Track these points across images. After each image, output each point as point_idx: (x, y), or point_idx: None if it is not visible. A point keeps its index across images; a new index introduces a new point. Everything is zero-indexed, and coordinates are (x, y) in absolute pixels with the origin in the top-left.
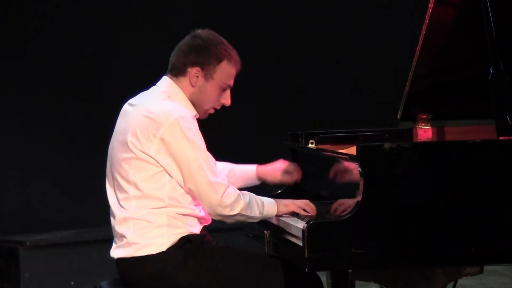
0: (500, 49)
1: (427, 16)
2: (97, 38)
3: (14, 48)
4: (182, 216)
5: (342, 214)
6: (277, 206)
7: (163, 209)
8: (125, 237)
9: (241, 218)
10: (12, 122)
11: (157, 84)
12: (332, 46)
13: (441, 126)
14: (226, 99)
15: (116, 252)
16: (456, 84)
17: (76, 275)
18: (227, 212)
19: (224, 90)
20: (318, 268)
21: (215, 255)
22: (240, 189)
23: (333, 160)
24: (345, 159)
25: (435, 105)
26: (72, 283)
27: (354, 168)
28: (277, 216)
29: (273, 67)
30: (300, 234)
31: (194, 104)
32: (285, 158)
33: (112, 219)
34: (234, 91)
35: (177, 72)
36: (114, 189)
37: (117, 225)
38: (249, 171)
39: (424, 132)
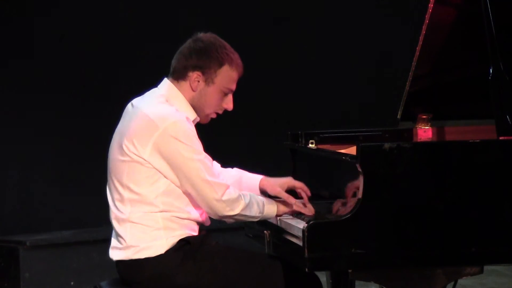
0: (500, 49)
1: (427, 16)
2: (97, 37)
3: (14, 48)
4: (178, 219)
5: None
6: (277, 205)
7: (158, 213)
8: (123, 239)
9: (241, 218)
10: (12, 122)
11: (158, 86)
12: (332, 46)
13: (441, 126)
14: (228, 104)
15: (115, 254)
16: (456, 84)
17: (76, 275)
18: (227, 212)
19: (225, 94)
20: (318, 268)
21: (214, 256)
22: None
23: (333, 160)
24: (345, 159)
25: (435, 105)
26: (72, 283)
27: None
28: (277, 215)
29: (273, 67)
30: (300, 234)
31: (195, 108)
32: (285, 158)
33: (111, 218)
34: (234, 91)
35: (178, 76)
36: (111, 189)
37: (115, 225)
38: (254, 180)
39: (424, 132)
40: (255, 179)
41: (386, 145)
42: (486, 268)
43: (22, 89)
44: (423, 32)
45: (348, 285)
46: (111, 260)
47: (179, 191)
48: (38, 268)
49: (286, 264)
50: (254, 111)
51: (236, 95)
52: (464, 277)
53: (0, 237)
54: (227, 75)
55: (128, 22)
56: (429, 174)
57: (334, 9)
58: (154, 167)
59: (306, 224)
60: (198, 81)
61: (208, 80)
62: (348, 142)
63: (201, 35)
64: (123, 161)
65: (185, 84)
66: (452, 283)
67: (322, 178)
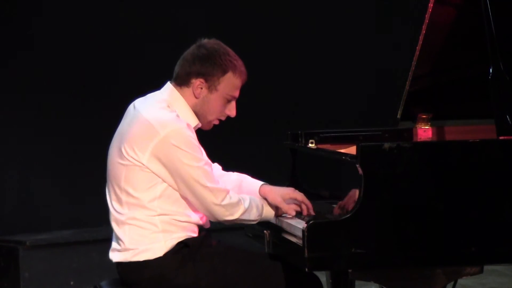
0: (500, 49)
1: (427, 16)
2: (97, 37)
3: (14, 48)
4: (177, 221)
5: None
6: (276, 207)
7: (156, 217)
8: (122, 241)
9: (241, 222)
10: (12, 122)
11: (161, 90)
12: (332, 45)
13: (441, 125)
14: (231, 110)
15: (115, 255)
16: (456, 83)
17: (75, 275)
18: (227, 217)
19: (229, 101)
20: (318, 268)
21: (213, 257)
22: None
23: (333, 159)
24: (345, 159)
25: (435, 104)
26: (71, 283)
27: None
28: (276, 215)
29: (273, 66)
30: (300, 234)
31: (198, 114)
32: (284, 157)
33: (110, 219)
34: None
35: (181, 82)
36: (109, 191)
37: (114, 227)
38: (254, 186)
39: (424, 132)
40: (256, 184)
41: (386, 145)
42: (486, 268)
43: (22, 89)
44: (423, 32)
45: (348, 285)
46: (111, 260)
47: (177, 195)
48: (38, 268)
49: (286, 264)
50: (254, 111)
51: None
52: (464, 277)
53: (0, 237)
54: (231, 83)
55: (128, 22)
56: (429, 174)
57: (334, 9)
58: (152, 172)
59: (306, 224)
60: (201, 88)
61: (212, 87)
62: (348, 142)
63: (204, 41)
64: (122, 164)
65: (188, 91)
66: (452, 283)
67: (322, 178)
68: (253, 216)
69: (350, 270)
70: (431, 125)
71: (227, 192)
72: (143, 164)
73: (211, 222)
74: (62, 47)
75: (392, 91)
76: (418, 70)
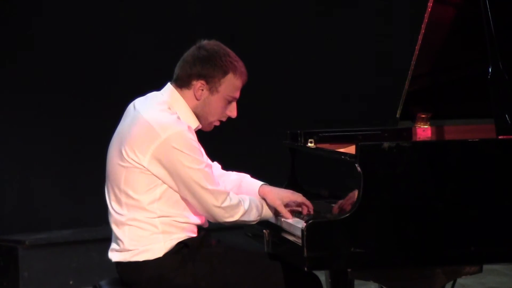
0: (499, 48)
1: (427, 15)
2: (97, 37)
3: (15, 48)
4: (177, 222)
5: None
6: (274, 207)
7: (156, 219)
8: (121, 241)
9: (240, 222)
10: (12, 122)
11: (161, 91)
12: (331, 45)
13: (441, 125)
14: (232, 111)
15: (114, 255)
16: (455, 83)
17: (75, 275)
18: (227, 218)
19: (229, 102)
20: (317, 267)
21: (213, 258)
22: None
23: (332, 159)
24: (344, 158)
25: (435, 104)
26: (71, 282)
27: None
28: (275, 214)
29: (273, 66)
30: (299, 233)
31: (198, 116)
32: (284, 157)
33: (109, 219)
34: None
35: (182, 84)
36: (108, 191)
37: (114, 227)
38: (253, 186)
39: (423, 131)
40: (255, 185)
41: (385, 144)
42: (486, 267)
43: (22, 89)
44: (422, 31)
45: (347, 284)
46: (110, 259)
47: (177, 197)
48: (37, 267)
49: (286, 263)
50: (253, 111)
51: None
52: (464, 276)
53: None
54: (231, 84)
55: (128, 22)
56: (429, 173)
57: (333, 9)
58: (153, 174)
59: (305, 224)
60: (202, 90)
61: (213, 89)
62: (347, 141)
63: (204, 42)
64: (122, 166)
65: (188, 93)
66: (452, 282)
67: (321, 178)
68: (252, 217)
69: (349, 270)
70: (430, 125)
71: (227, 194)
72: (144, 167)
73: (209, 222)
74: (62, 47)
75: (392, 90)
76: (417, 69)
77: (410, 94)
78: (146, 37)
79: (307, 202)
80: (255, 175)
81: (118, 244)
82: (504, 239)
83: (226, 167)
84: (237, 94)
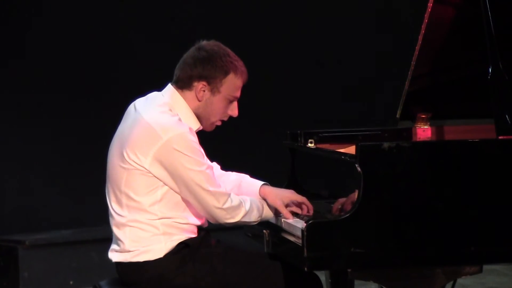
0: (499, 48)
1: (427, 16)
2: (96, 37)
3: (14, 47)
4: (178, 223)
5: (346, 209)
6: (275, 207)
7: (157, 220)
8: (122, 242)
9: (241, 223)
10: (12, 122)
11: (162, 92)
12: (332, 45)
13: (441, 125)
14: (234, 110)
15: (114, 255)
16: (455, 83)
17: (75, 275)
18: (228, 219)
19: (231, 102)
20: (318, 267)
21: (213, 258)
22: None
23: (332, 159)
24: (344, 159)
25: (435, 104)
26: (71, 282)
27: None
28: (275, 215)
29: (273, 66)
30: (299, 234)
31: (200, 117)
32: (284, 157)
33: (110, 220)
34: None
35: (183, 85)
36: (109, 192)
37: (114, 228)
38: (254, 187)
39: (423, 132)
40: (255, 185)
41: (385, 145)
42: (486, 267)
43: (22, 89)
44: (422, 31)
45: (347, 284)
46: (110, 260)
47: (178, 198)
48: (37, 268)
49: (286, 263)
50: (253, 111)
51: None
52: (464, 277)
53: None
54: (233, 83)
55: (128, 22)
56: (429, 173)
57: (333, 9)
58: (154, 176)
59: (306, 224)
60: (204, 91)
61: (214, 90)
62: (347, 141)
63: (204, 43)
64: (123, 168)
65: (190, 94)
66: (452, 282)
67: (321, 178)
68: (253, 217)
69: (349, 270)
70: (430, 125)
71: (229, 195)
72: (145, 168)
73: (209, 222)
74: (62, 47)
75: (392, 90)
76: (417, 69)
77: (410, 94)
78: (146, 37)
79: (307, 203)
80: (255, 175)
81: (118, 245)
82: (504, 239)
83: (226, 167)
84: (238, 94)
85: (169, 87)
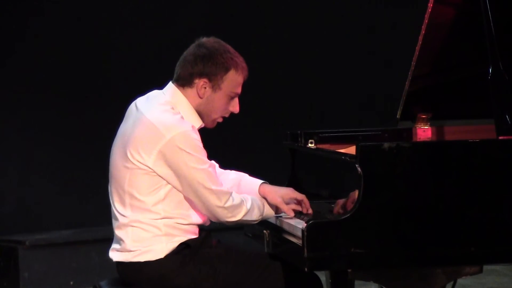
0: (499, 49)
1: (427, 16)
2: (96, 37)
3: (13, 47)
4: (180, 225)
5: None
6: (275, 206)
7: (159, 220)
8: (123, 241)
9: (242, 222)
10: (12, 122)
11: (163, 91)
12: (332, 45)
13: (441, 125)
14: (235, 107)
15: (115, 255)
16: (455, 83)
17: (75, 275)
18: (229, 218)
19: (232, 98)
20: (318, 267)
21: (213, 259)
22: None
23: (333, 159)
24: (345, 159)
25: (435, 104)
26: (71, 282)
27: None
28: (276, 214)
29: (273, 66)
30: (299, 234)
31: (201, 114)
32: (284, 157)
33: (112, 219)
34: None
35: (184, 83)
36: (112, 192)
37: (116, 227)
38: (253, 185)
39: (424, 132)
40: (255, 184)
41: (386, 145)
42: (486, 267)
43: (22, 89)
44: (423, 31)
45: (347, 284)
46: (110, 259)
47: (181, 197)
48: (37, 268)
49: (286, 264)
50: (254, 111)
51: None
52: (464, 277)
53: (0, 237)
54: (234, 80)
55: (128, 21)
56: (429, 173)
57: (334, 9)
58: (158, 175)
59: (306, 224)
60: (205, 88)
61: (215, 87)
62: (347, 141)
63: (204, 40)
64: (126, 167)
65: (191, 91)
66: (452, 282)
67: (321, 178)
68: (254, 216)
69: (349, 270)
70: (430, 125)
71: (230, 194)
72: (149, 167)
73: (211, 221)
74: (62, 46)
75: (392, 91)
76: (417, 70)
77: (410, 94)
78: (147, 35)
79: (306, 201)
80: (255, 175)
81: (119, 244)
82: (504, 239)
83: (225, 167)
84: (239, 90)
85: (170, 85)
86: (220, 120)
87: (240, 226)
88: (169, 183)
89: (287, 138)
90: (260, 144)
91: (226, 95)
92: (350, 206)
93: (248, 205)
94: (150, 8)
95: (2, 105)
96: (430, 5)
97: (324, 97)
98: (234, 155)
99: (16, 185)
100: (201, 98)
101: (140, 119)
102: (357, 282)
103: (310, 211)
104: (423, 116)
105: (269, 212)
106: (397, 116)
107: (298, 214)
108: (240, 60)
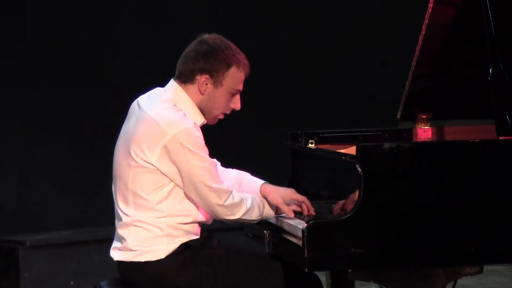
0: (499, 49)
1: (427, 16)
2: (97, 36)
3: (13, 46)
4: (182, 225)
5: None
6: (276, 206)
7: (162, 219)
8: (125, 240)
9: (241, 221)
10: (12, 122)
11: (165, 88)
12: (332, 45)
13: (441, 126)
14: (236, 104)
15: (116, 254)
16: (455, 83)
17: (75, 275)
18: (228, 216)
19: (233, 95)
20: (318, 268)
21: (214, 259)
22: None
23: (333, 160)
24: (345, 159)
25: (435, 104)
26: (71, 283)
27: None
28: (276, 214)
29: (273, 66)
30: (300, 234)
31: (203, 110)
32: (284, 158)
33: (116, 219)
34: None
35: (185, 79)
36: (116, 191)
37: (118, 226)
38: (254, 184)
39: (424, 132)
40: (256, 183)
41: (386, 145)
42: (486, 268)
43: (21, 89)
44: (423, 32)
45: (347, 285)
46: (111, 260)
47: (183, 194)
48: (38, 268)
49: (286, 264)
50: (254, 111)
51: None
52: (464, 277)
53: (0, 237)
54: (235, 76)
55: (129, 19)
56: (429, 174)
57: (334, 9)
58: (161, 172)
59: (306, 224)
60: (207, 84)
61: (217, 83)
62: (347, 142)
63: (205, 36)
64: (130, 166)
65: (193, 88)
66: (452, 283)
67: (321, 178)
68: (254, 216)
69: (350, 270)
70: (430, 125)
71: (230, 192)
72: (153, 165)
73: (213, 221)
74: (63, 45)
75: (392, 91)
76: (417, 70)
77: (410, 94)
78: (147, 33)
79: (308, 203)
80: (255, 175)
81: (121, 243)
82: (505, 240)
83: (226, 167)
84: (240, 87)
85: (172, 83)
86: (222, 116)
87: (241, 227)
88: (172, 181)
89: (288, 138)
90: (260, 144)
91: (227, 91)
92: (350, 206)
93: (248, 204)
94: (151, 6)
95: (2, 105)
96: (430, 5)
97: (324, 97)
98: (234, 155)
99: (16, 185)
100: (202, 94)
101: (142, 117)
102: (357, 282)
103: (312, 212)
104: (423, 116)
105: (269, 212)
106: (397, 117)
107: (298, 214)
108: (242, 56)
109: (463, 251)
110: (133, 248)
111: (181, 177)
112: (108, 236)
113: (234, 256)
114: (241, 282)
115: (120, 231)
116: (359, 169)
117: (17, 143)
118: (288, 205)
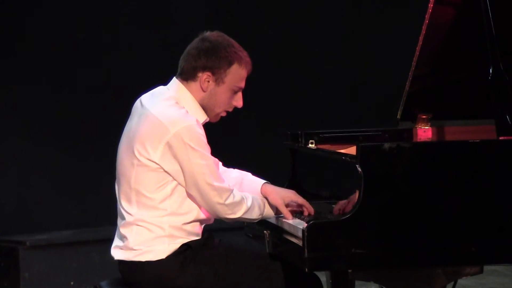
0: (500, 49)
1: (427, 16)
2: (97, 36)
3: (13, 46)
4: (184, 225)
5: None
6: (276, 206)
7: (165, 218)
8: (127, 239)
9: (242, 220)
10: (12, 122)
11: (167, 86)
12: (332, 45)
13: (441, 126)
14: (238, 101)
15: (116, 253)
16: (456, 84)
17: (76, 275)
18: (229, 215)
19: (235, 92)
20: (318, 268)
21: (214, 260)
22: None
23: (333, 160)
24: (345, 159)
25: (435, 105)
26: (72, 283)
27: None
28: (276, 215)
29: (273, 66)
30: (300, 234)
31: (205, 108)
32: (284, 158)
33: (118, 218)
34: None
35: (187, 77)
36: (119, 189)
37: (120, 224)
38: (255, 184)
39: (424, 132)
40: (257, 183)
41: (386, 145)
42: (486, 268)
43: (21, 89)
44: (423, 32)
45: (348, 285)
46: (111, 260)
47: (186, 193)
48: (38, 268)
49: (286, 264)
50: (254, 111)
51: None
52: (464, 277)
53: (0, 237)
54: (237, 74)
55: (128, 19)
56: (429, 174)
57: (334, 9)
58: (164, 171)
59: (306, 224)
60: (209, 82)
61: (218, 80)
62: (348, 142)
63: (207, 34)
64: (133, 164)
65: (195, 85)
66: (452, 283)
67: (321, 178)
68: (254, 215)
69: (350, 270)
70: (431, 125)
71: (231, 191)
72: (156, 163)
73: (214, 221)
74: (63, 45)
75: (392, 91)
76: (418, 70)
77: (410, 95)
78: (147, 33)
79: (308, 205)
80: (255, 175)
81: (122, 241)
82: (505, 240)
83: (226, 167)
84: (242, 84)
85: (174, 81)
86: (224, 114)
87: (241, 226)
88: (174, 179)
89: (288, 138)
90: (260, 144)
91: (229, 89)
92: (350, 206)
93: (249, 203)
94: (151, 6)
95: (2, 105)
96: (431, 5)
97: (324, 97)
98: (234, 155)
99: (16, 185)
100: (204, 91)
101: (145, 115)
102: (357, 282)
103: (312, 213)
104: (424, 117)
105: (269, 212)
106: (398, 117)
107: (298, 215)
108: (244, 54)
109: (463, 251)
110: (134, 248)
111: (183, 174)
112: (108, 236)
113: (234, 256)
114: (241, 282)
115: (122, 229)
116: (359, 169)
117: (17, 143)
118: (287, 206)
